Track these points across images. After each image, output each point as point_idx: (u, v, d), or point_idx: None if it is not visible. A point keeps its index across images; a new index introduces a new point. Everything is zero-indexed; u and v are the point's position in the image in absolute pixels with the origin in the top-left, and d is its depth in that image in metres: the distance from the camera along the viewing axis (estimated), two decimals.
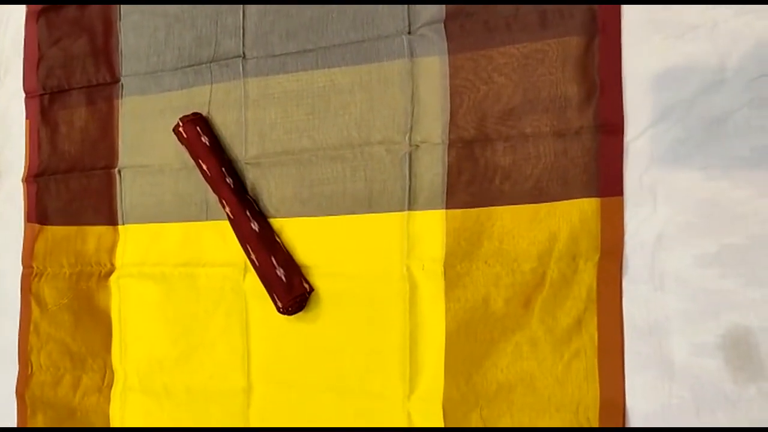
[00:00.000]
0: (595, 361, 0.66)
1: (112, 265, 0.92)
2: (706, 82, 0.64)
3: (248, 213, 0.80)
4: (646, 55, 0.65)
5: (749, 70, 0.62)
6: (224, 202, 0.81)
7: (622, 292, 0.66)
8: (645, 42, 0.66)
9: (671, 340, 0.64)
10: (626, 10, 0.66)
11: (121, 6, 0.92)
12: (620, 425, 0.65)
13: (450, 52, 0.73)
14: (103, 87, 0.94)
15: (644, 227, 0.65)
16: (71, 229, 0.95)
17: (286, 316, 0.77)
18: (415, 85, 0.74)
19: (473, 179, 0.71)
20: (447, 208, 0.72)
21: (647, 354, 0.65)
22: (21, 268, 0.98)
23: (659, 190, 0.65)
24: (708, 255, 0.63)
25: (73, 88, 0.96)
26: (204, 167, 0.82)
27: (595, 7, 0.67)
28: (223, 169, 0.81)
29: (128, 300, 0.91)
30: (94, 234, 0.93)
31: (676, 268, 0.64)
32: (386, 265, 0.75)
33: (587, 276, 0.66)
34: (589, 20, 0.67)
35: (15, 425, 0.97)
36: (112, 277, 0.92)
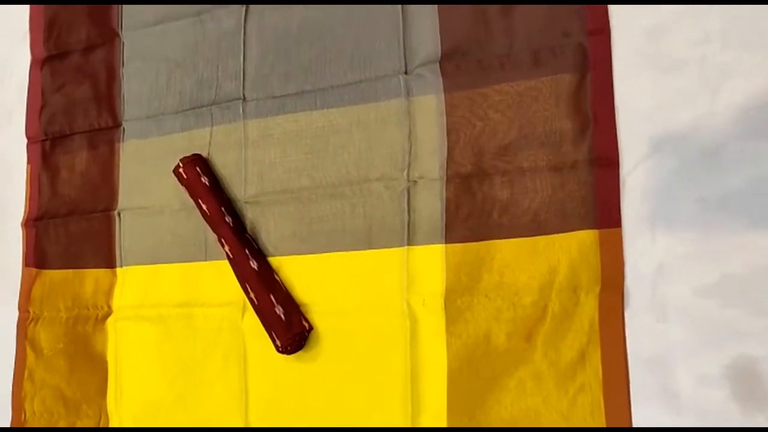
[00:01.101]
0: (601, 395, 0.65)
1: (109, 307, 0.91)
2: (697, 115, 0.65)
3: (247, 252, 0.80)
4: (638, 90, 0.67)
5: (739, 103, 0.64)
6: (223, 241, 0.81)
7: (625, 324, 0.65)
8: (636, 77, 0.67)
9: (676, 372, 0.63)
10: (616, 46, 0.68)
11: (124, 52, 0.95)
12: None
13: (446, 90, 0.74)
14: (104, 131, 0.95)
15: (644, 258, 0.65)
16: (69, 273, 0.95)
17: (285, 355, 0.76)
18: (412, 123, 0.76)
19: (472, 213, 0.72)
20: (446, 242, 0.72)
21: (653, 386, 0.64)
22: (17, 313, 0.97)
23: (657, 221, 0.65)
24: (709, 285, 0.63)
25: (74, 133, 0.97)
26: (203, 207, 0.82)
27: (586, 44, 0.69)
28: (223, 208, 0.82)
29: (125, 343, 0.90)
30: (92, 277, 0.93)
31: (677, 298, 0.64)
32: (386, 301, 0.74)
33: (589, 308, 0.66)
34: (580, 57, 0.69)
35: None
36: (109, 320, 0.91)
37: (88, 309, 0.93)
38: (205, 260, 0.85)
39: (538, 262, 0.68)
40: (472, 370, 0.70)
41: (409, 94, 0.76)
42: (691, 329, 0.63)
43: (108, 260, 0.92)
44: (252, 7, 0.86)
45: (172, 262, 0.88)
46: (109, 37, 0.96)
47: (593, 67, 0.69)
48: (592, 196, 0.67)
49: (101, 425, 0.89)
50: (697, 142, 0.65)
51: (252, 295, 0.78)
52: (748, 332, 0.61)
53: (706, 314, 0.63)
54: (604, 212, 0.67)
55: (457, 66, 0.74)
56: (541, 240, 0.68)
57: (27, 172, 1.00)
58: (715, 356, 0.62)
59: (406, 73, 0.76)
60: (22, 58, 1.04)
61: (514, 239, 0.70)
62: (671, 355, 0.63)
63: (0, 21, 1.08)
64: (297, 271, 0.80)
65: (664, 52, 0.66)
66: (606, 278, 0.66)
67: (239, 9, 0.86)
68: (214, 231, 0.82)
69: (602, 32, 0.68)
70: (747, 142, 0.63)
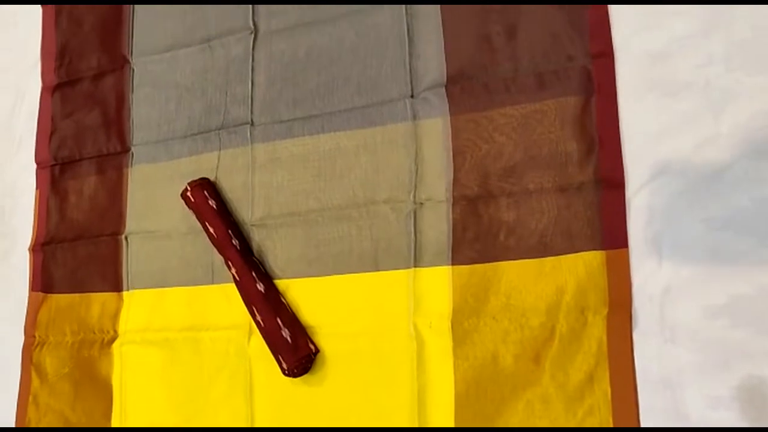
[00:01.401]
0: (610, 417, 0.65)
1: (115, 332, 0.91)
2: (702, 136, 0.66)
3: (254, 274, 0.80)
4: (642, 112, 0.68)
5: (743, 124, 0.64)
6: (230, 263, 0.81)
7: (633, 346, 0.65)
8: (640, 99, 0.68)
9: (686, 394, 0.62)
10: (620, 69, 0.69)
11: (134, 79, 0.96)
12: None
13: (452, 113, 0.75)
14: (113, 156, 0.96)
15: (651, 280, 0.65)
16: (75, 297, 0.95)
17: (291, 378, 0.76)
18: (418, 146, 0.76)
19: (478, 235, 0.72)
20: (453, 264, 0.73)
21: (662, 408, 0.63)
22: (23, 337, 0.97)
23: (664, 242, 0.65)
24: (717, 306, 0.63)
25: (84, 158, 0.98)
26: (211, 230, 0.83)
27: (590, 67, 0.70)
28: (230, 231, 0.82)
29: (130, 367, 0.89)
30: (99, 301, 0.93)
31: (685, 319, 0.64)
32: (393, 323, 0.74)
33: (597, 329, 0.66)
34: (584, 81, 0.70)
35: None
36: (115, 345, 0.91)
37: (94, 333, 0.92)
38: (212, 283, 0.85)
39: (545, 283, 0.68)
40: (480, 392, 0.70)
41: (415, 117, 0.77)
42: (700, 350, 0.63)
43: (115, 284, 0.92)
44: (261, 34, 0.87)
45: (178, 286, 0.88)
46: (119, 64, 0.98)
47: (598, 89, 0.69)
48: (599, 217, 0.67)
49: None
50: (702, 163, 0.65)
51: (258, 317, 0.78)
52: (757, 352, 0.61)
53: (715, 335, 0.62)
54: (610, 233, 0.67)
55: (463, 89, 0.75)
56: (548, 261, 0.68)
57: (36, 198, 1.01)
58: (725, 377, 0.61)
59: (412, 96, 0.78)
60: (34, 86, 1.05)
61: (521, 260, 0.70)
62: (680, 377, 0.63)
63: (12, 49, 1.10)
64: (304, 294, 0.80)
65: (667, 75, 0.67)
66: (613, 299, 0.66)
67: (248, 36, 0.88)
68: (221, 253, 0.82)
69: (605, 55, 0.69)
70: (751, 163, 0.64)
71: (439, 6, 0.78)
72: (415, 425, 0.71)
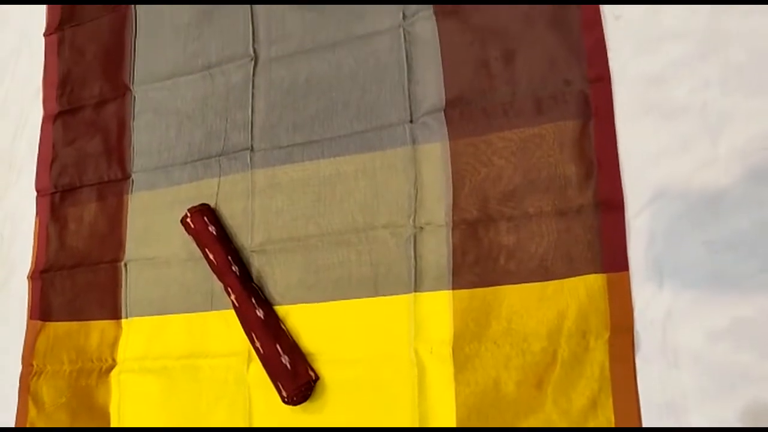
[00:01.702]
0: None
1: (114, 360, 0.91)
2: (700, 159, 0.66)
3: (253, 300, 0.79)
4: (640, 135, 0.68)
5: (741, 147, 0.64)
6: (230, 290, 0.81)
7: (636, 370, 0.64)
8: (638, 123, 0.68)
9: (690, 419, 0.62)
10: (617, 93, 0.69)
11: (135, 106, 0.97)
12: None
13: (450, 138, 0.76)
14: (113, 183, 0.96)
15: (653, 303, 0.65)
16: (74, 325, 0.94)
17: (291, 406, 0.75)
18: (417, 171, 0.77)
19: (478, 259, 0.72)
20: (453, 288, 0.72)
21: None
22: (20, 366, 0.96)
23: (665, 265, 0.65)
24: (719, 329, 0.62)
25: (84, 186, 0.98)
26: (210, 256, 0.83)
27: (587, 91, 0.70)
28: (230, 257, 0.82)
29: (128, 396, 0.88)
30: (97, 329, 0.92)
31: (688, 343, 0.63)
32: (393, 349, 0.73)
33: (599, 354, 0.65)
34: (582, 105, 0.70)
35: None
36: (113, 373, 0.90)
37: (92, 362, 0.92)
38: (211, 310, 0.85)
39: (546, 308, 0.68)
40: (482, 418, 0.69)
41: (414, 142, 0.77)
42: (704, 374, 0.62)
43: (113, 312, 0.92)
44: (261, 61, 0.88)
45: (177, 313, 0.87)
46: (121, 92, 0.98)
47: (595, 113, 0.70)
48: (599, 240, 0.67)
49: None
50: (701, 186, 0.65)
51: (258, 344, 0.77)
52: (761, 376, 0.60)
53: (718, 359, 0.62)
54: (610, 256, 0.66)
55: (462, 114, 0.76)
56: (549, 285, 0.68)
57: (35, 225, 1.01)
58: (729, 401, 0.61)
59: (411, 122, 0.78)
60: (35, 114, 1.06)
61: (522, 284, 0.69)
62: (684, 401, 0.62)
63: (14, 77, 1.11)
64: (303, 320, 0.79)
65: (665, 99, 0.67)
66: (615, 323, 0.65)
67: (248, 63, 0.89)
68: (221, 280, 0.82)
69: (602, 80, 0.70)
70: (751, 186, 0.63)
71: (437, 32, 0.79)
72: None
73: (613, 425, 0.64)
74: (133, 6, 1.00)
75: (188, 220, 0.85)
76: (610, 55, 0.70)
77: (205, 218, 0.85)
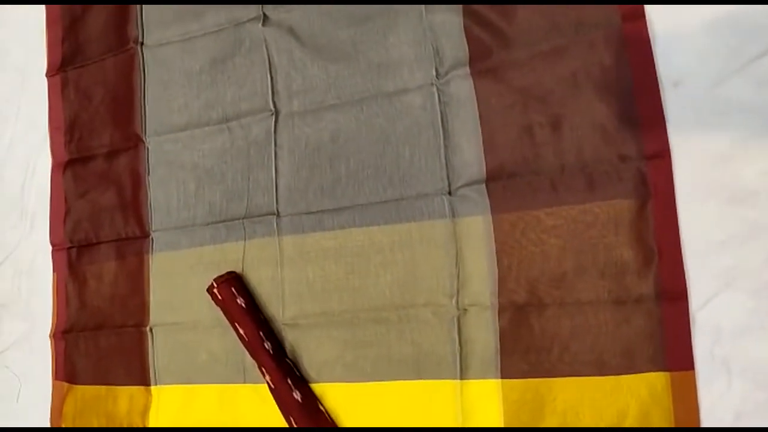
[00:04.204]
0: None
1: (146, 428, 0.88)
2: None
3: (289, 381, 0.76)
4: (705, 219, 0.63)
5: None
6: (264, 370, 0.77)
7: None
8: (701, 206, 0.63)
9: None
10: (678, 172, 0.64)
11: (149, 158, 0.91)
12: None
13: (493, 212, 0.71)
14: (132, 241, 0.92)
15: (720, 405, 0.61)
16: (101, 389, 0.91)
17: None
18: (459, 246, 0.72)
19: (529, 347, 0.68)
20: (503, 377, 0.69)
21: None
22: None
23: (733, 363, 0.61)
24: None
25: (101, 242, 0.94)
26: (241, 331, 0.79)
27: (645, 169, 0.65)
28: (261, 333, 0.78)
29: None
30: (126, 395, 0.90)
31: None
32: None
33: None
34: (639, 183, 0.65)
35: None
36: None
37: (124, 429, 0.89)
38: (244, 383, 0.82)
39: (605, 405, 0.64)
40: None
41: (453, 215, 0.72)
42: None
43: (142, 378, 0.89)
44: (282, 116, 0.83)
45: (209, 383, 0.84)
46: (133, 142, 0.93)
47: (654, 193, 0.65)
48: (661, 333, 0.63)
49: None
50: None
51: (297, 427, 0.74)
52: None
53: None
54: (674, 352, 0.63)
55: (505, 187, 0.70)
56: (608, 381, 0.64)
57: (53, 281, 0.98)
58: None
59: (449, 193, 0.73)
60: (43, 159, 1.01)
61: (577, 378, 0.66)
62: None
63: (18, 118, 1.05)
64: (342, 400, 0.76)
65: (731, 180, 0.62)
66: (680, 425, 0.62)
67: (268, 118, 0.83)
68: (254, 358, 0.78)
69: (662, 156, 0.64)
70: None
71: (474, 93, 0.73)
72: None
73: None
74: (139, 49, 0.93)
75: (215, 290, 0.81)
76: (669, 130, 0.64)
77: (233, 289, 0.81)
